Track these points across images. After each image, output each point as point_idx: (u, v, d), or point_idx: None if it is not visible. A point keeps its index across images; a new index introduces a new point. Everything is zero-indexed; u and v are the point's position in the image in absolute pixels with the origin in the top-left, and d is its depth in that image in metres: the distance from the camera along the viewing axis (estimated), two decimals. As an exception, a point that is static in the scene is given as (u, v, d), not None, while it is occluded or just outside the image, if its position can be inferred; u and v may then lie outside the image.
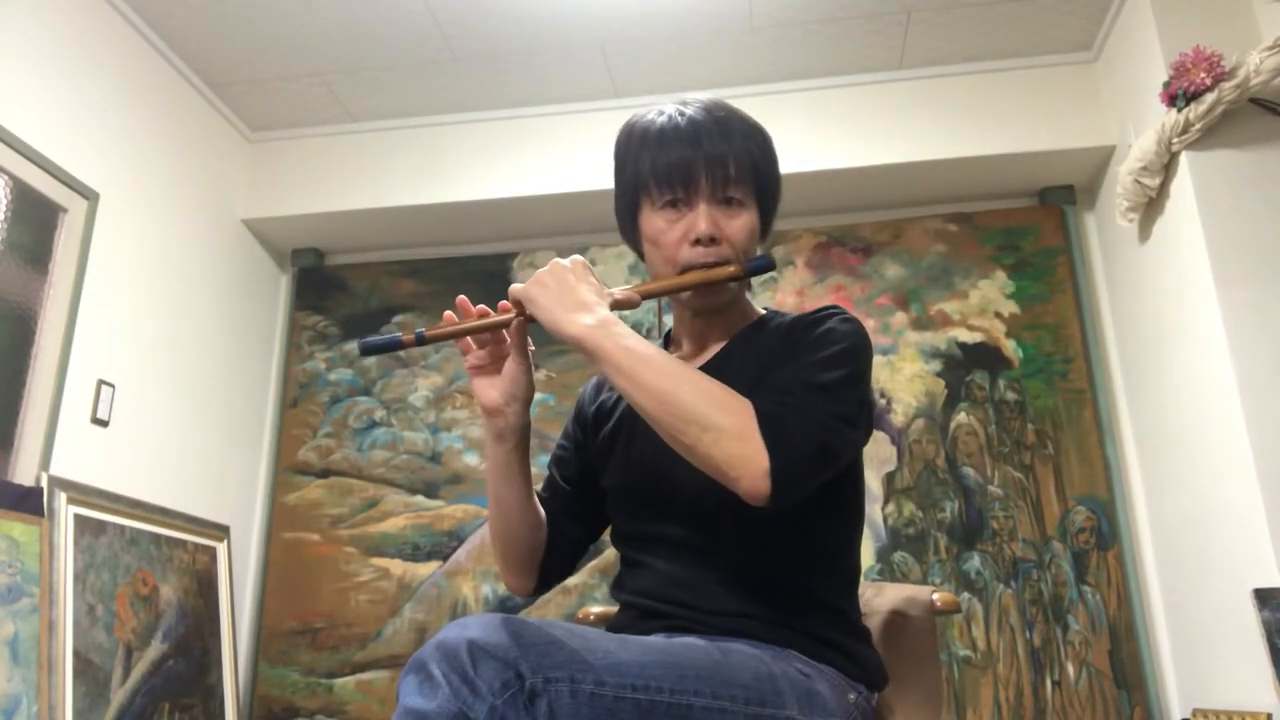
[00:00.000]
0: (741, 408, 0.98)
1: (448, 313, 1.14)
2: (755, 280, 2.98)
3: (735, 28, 2.71)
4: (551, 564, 1.26)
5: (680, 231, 1.12)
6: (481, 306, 1.14)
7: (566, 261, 1.08)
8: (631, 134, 1.19)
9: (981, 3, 2.62)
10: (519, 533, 1.21)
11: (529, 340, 1.14)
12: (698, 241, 1.11)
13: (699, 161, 1.11)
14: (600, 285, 1.07)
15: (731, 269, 1.12)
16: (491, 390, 1.15)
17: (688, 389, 0.98)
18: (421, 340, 1.09)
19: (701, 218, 1.11)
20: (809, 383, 1.02)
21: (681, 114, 1.15)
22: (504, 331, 1.13)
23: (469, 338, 1.14)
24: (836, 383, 1.03)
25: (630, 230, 1.21)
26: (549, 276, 1.06)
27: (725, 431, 0.96)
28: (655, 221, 1.14)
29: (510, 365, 1.14)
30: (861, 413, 1.05)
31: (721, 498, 1.09)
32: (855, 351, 1.07)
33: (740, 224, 1.13)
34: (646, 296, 1.12)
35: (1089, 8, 2.65)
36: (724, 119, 1.15)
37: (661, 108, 1.18)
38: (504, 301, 1.11)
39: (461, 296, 1.14)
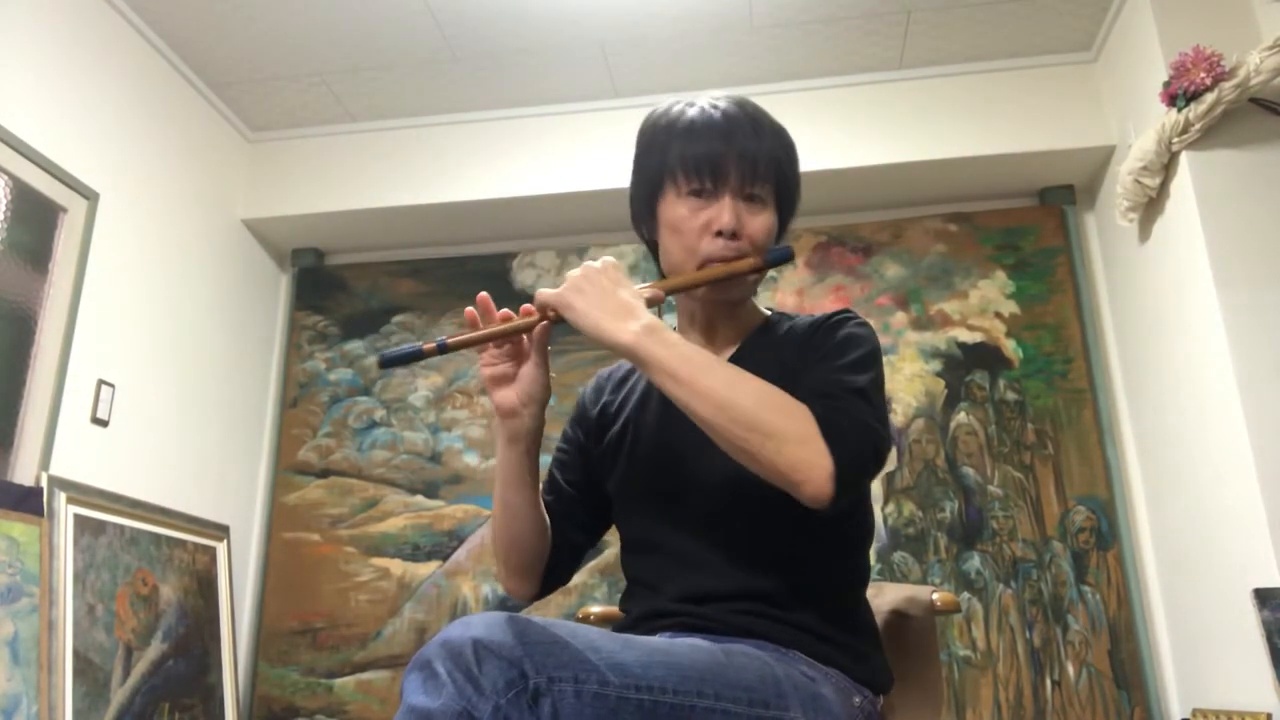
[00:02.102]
0: (802, 413, 0.98)
1: (469, 310, 1.11)
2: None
3: (735, 28, 2.71)
4: (553, 569, 1.25)
5: (703, 221, 1.12)
6: (505, 311, 1.12)
7: (597, 263, 1.07)
8: (659, 123, 1.18)
9: (981, 3, 2.63)
10: (525, 538, 1.20)
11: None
12: (719, 234, 1.11)
13: (731, 155, 1.11)
14: (633, 286, 1.07)
15: (752, 260, 1.12)
16: (508, 392, 1.14)
17: (748, 396, 0.98)
18: (444, 349, 1.07)
19: (726, 210, 1.11)
20: (849, 387, 1.03)
21: (715, 107, 1.15)
22: (524, 335, 1.12)
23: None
24: (869, 386, 1.04)
25: (646, 217, 1.20)
26: (584, 282, 1.05)
27: (788, 438, 0.96)
28: (678, 209, 1.13)
29: (529, 368, 1.13)
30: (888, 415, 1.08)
31: (732, 501, 1.09)
32: (876, 355, 1.10)
33: (761, 222, 1.14)
34: (669, 292, 1.11)
35: (1089, 8, 2.65)
36: (756, 115, 1.16)
37: (691, 99, 1.17)
38: (526, 305, 1.10)
39: (483, 294, 1.12)
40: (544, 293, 1.07)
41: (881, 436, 1.01)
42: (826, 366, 1.06)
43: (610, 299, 1.04)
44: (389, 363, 1.08)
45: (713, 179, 1.12)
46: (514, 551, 1.21)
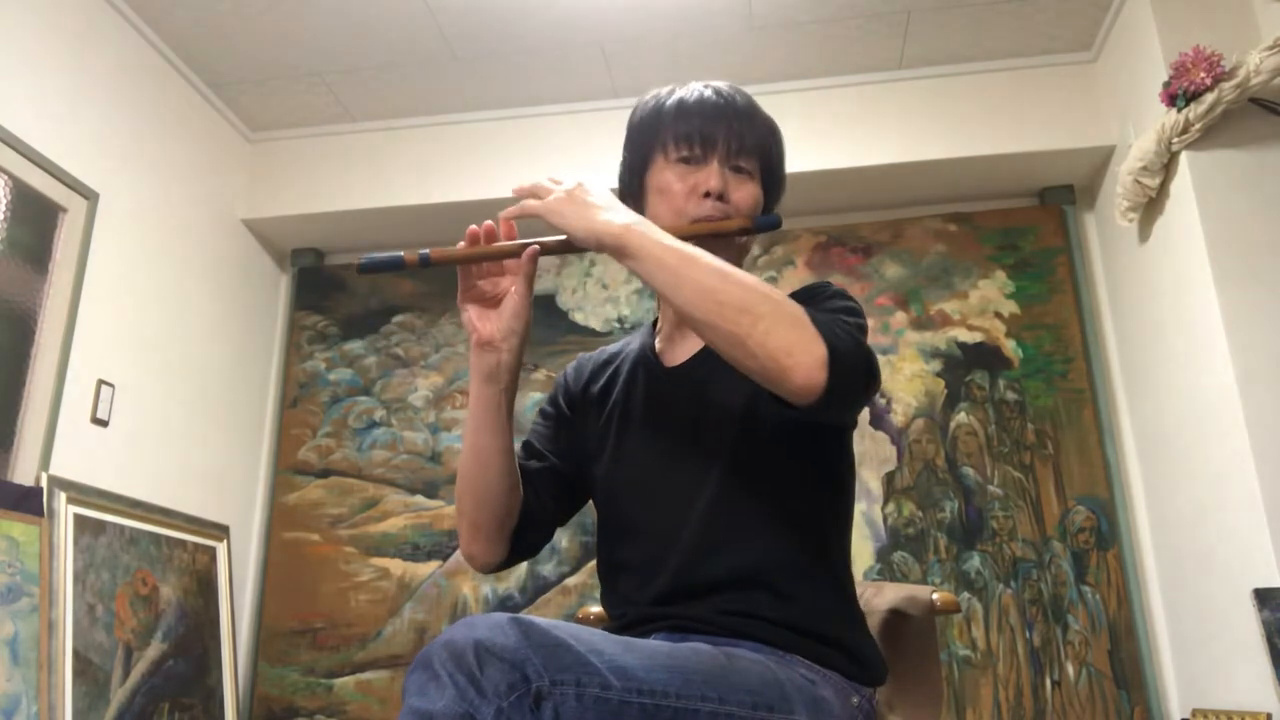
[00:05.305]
0: (797, 306, 0.96)
1: (472, 228, 1.09)
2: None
3: (735, 28, 2.71)
4: (524, 534, 1.19)
5: (690, 185, 1.14)
6: (488, 224, 1.10)
7: (580, 177, 1.08)
8: (649, 104, 1.20)
9: (981, 3, 2.63)
10: (495, 490, 1.14)
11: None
12: (707, 195, 1.13)
13: (720, 126, 1.14)
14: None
15: (740, 221, 1.13)
16: (487, 322, 1.11)
17: (739, 284, 0.96)
18: (426, 262, 1.04)
19: (713, 174, 1.13)
20: (835, 318, 1.01)
21: (711, 89, 1.18)
22: (506, 261, 1.11)
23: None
24: (856, 328, 1.03)
25: (635, 191, 1.21)
26: (577, 189, 1.06)
27: (781, 319, 0.94)
28: (665, 175, 1.15)
29: (512, 297, 1.11)
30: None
31: (724, 477, 1.09)
32: (860, 311, 1.09)
33: (748, 191, 1.16)
34: None
35: (1089, 8, 2.65)
36: (750, 103, 1.19)
37: (689, 85, 1.20)
38: (502, 216, 1.09)
39: (472, 227, 1.10)
40: (530, 204, 1.07)
41: (873, 356, 1.00)
42: (811, 310, 1.05)
43: (595, 199, 1.04)
44: (369, 268, 1.06)
45: (701, 146, 1.14)
46: (483, 507, 1.15)
